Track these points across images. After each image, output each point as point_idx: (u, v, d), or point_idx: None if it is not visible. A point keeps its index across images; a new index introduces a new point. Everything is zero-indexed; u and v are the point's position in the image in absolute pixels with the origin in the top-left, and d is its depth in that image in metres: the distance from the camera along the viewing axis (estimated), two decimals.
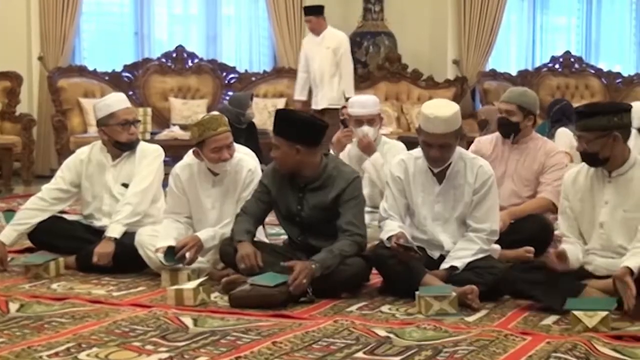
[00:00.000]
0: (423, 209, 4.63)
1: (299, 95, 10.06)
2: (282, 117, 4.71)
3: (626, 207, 4.17)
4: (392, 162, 4.85)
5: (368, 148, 5.93)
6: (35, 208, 5.32)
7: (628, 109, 4.23)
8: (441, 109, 4.47)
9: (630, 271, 3.86)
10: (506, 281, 4.28)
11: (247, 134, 8.77)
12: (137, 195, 5.20)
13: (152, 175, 5.28)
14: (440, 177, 4.59)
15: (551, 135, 8.37)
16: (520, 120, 5.52)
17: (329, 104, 9.50)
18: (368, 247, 4.82)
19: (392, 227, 4.53)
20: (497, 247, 4.80)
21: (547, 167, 5.54)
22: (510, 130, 5.55)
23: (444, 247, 4.60)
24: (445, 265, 4.49)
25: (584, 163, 4.32)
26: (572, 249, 4.23)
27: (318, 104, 9.67)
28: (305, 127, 4.63)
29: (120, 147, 5.31)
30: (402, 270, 4.39)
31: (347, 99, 9.29)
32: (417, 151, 4.69)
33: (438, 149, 4.46)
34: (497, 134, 5.72)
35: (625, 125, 4.15)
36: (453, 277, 4.42)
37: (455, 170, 4.58)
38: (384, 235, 4.54)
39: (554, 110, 8.57)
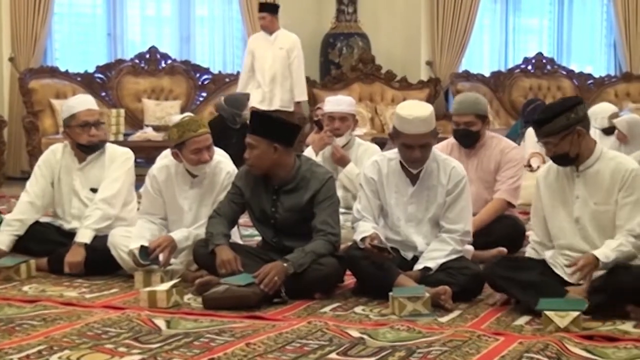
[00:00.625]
0: (396, 210, 4.64)
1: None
2: (260, 117, 4.76)
3: (596, 200, 4.19)
4: (365, 163, 4.85)
5: (341, 161, 5.94)
6: (26, 212, 5.28)
7: (580, 101, 4.27)
8: (418, 109, 4.50)
9: (593, 257, 3.96)
10: (488, 276, 4.30)
11: (239, 135, 8.73)
12: (106, 202, 5.17)
13: (120, 179, 5.24)
14: (413, 178, 4.61)
15: (522, 135, 8.44)
16: (480, 128, 5.54)
17: (280, 106, 9.26)
18: (342, 247, 4.83)
19: (365, 228, 4.53)
20: (470, 247, 4.82)
21: (502, 164, 5.57)
22: (472, 141, 5.56)
23: (418, 248, 4.61)
24: (419, 266, 4.50)
25: (551, 162, 4.35)
26: (534, 251, 4.33)
27: (272, 104, 9.36)
28: (282, 126, 4.67)
29: (82, 149, 5.27)
30: (375, 271, 4.39)
31: (297, 103, 9.29)
32: (391, 153, 4.71)
33: (419, 149, 4.48)
34: (451, 139, 5.72)
35: (583, 118, 4.18)
36: (426, 278, 4.43)
37: (428, 171, 4.60)
38: (357, 237, 4.54)
39: (527, 110, 8.63)
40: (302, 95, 9.43)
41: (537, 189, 4.38)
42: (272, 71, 9.43)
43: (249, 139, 4.61)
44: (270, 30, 9.60)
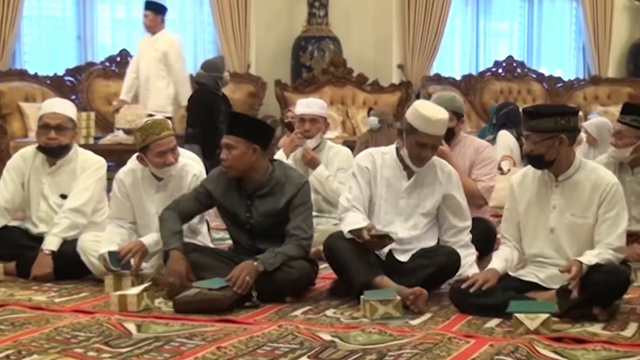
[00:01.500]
0: (384, 203, 4.61)
1: (124, 95, 9.52)
2: (239, 117, 4.77)
3: (573, 211, 4.19)
4: (359, 154, 4.83)
5: (312, 162, 5.95)
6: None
7: (575, 112, 4.27)
8: (441, 111, 4.52)
9: (580, 264, 3.95)
10: (454, 300, 4.28)
11: (226, 101, 8.69)
12: (75, 211, 5.14)
13: (91, 188, 5.21)
14: (410, 173, 4.61)
15: (494, 137, 8.47)
16: (455, 125, 5.56)
17: (155, 110, 8.75)
18: (312, 250, 4.84)
19: (356, 220, 4.46)
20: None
21: (477, 162, 5.60)
22: (448, 138, 5.56)
23: (398, 235, 4.52)
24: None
25: (529, 166, 4.36)
26: (508, 254, 4.30)
27: (147, 107, 9.06)
28: (261, 128, 4.68)
29: (41, 151, 5.24)
30: (358, 264, 4.37)
31: (182, 107, 9.08)
32: (385, 148, 4.71)
33: (431, 149, 4.52)
34: None
35: (571, 129, 4.17)
36: (405, 265, 4.45)
37: (425, 170, 4.60)
38: (345, 228, 4.47)
39: (500, 114, 8.67)
40: (183, 100, 8.96)
41: (512, 194, 4.36)
42: (146, 74, 9.12)
43: (227, 140, 4.56)
44: (152, 30, 9.22)
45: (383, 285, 4.34)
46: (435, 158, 4.65)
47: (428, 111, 4.47)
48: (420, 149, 4.50)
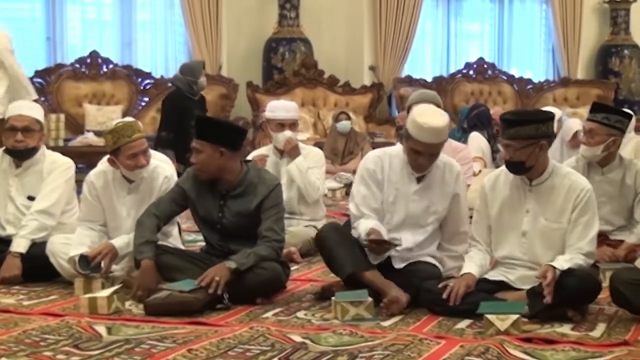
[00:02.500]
0: (392, 207, 4.49)
1: None
2: (205, 121, 4.76)
3: (547, 216, 4.21)
4: (366, 157, 4.66)
5: (294, 151, 5.94)
6: None
7: (552, 117, 4.28)
8: (435, 118, 4.34)
9: (554, 270, 3.97)
10: (426, 301, 4.27)
11: (200, 106, 8.65)
12: (43, 212, 5.09)
13: (59, 189, 5.17)
14: (420, 176, 4.49)
15: (466, 140, 8.51)
16: None
17: None
18: (284, 252, 4.85)
19: (367, 225, 4.36)
20: None
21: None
22: None
23: (402, 245, 4.41)
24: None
25: (501, 168, 4.37)
26: (481, 258, 4.29)
27: None
28: (228, 130, 4.67)
29: (8, 154, 5.20)
30: (345, 254, 4.36)
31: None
32: (392, 149, 4.60)
33: (428, 157, 4.36)
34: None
35: (550, 134, 4.20)
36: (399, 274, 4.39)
37: (434, 172, 4.48)
38: (358, 234, 4.38)
39: (471, 115, 8.70)
40: (34, 92, 7.99)
41: (484, 197, 4.35)
42: None
43: (194, 144, 4.58)
44: None
45: (374, 281, 4.29)
46: (442, 157, 4.49)
47: (423, 118, 4.31)
48: (414, 155, 4.37)
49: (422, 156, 4.35)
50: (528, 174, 4.21)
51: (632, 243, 5.14)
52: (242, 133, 4.76)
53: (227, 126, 4.78)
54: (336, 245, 4.43)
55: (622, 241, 5.24)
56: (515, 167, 4.19)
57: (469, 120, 8.69)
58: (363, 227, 4.35)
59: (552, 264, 4.02)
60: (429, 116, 4.33)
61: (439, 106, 5.59)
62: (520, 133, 4.11)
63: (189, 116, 8.06)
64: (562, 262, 4.02)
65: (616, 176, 5.26)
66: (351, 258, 4.36)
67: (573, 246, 4.13)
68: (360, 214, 4.43)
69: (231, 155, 4.58)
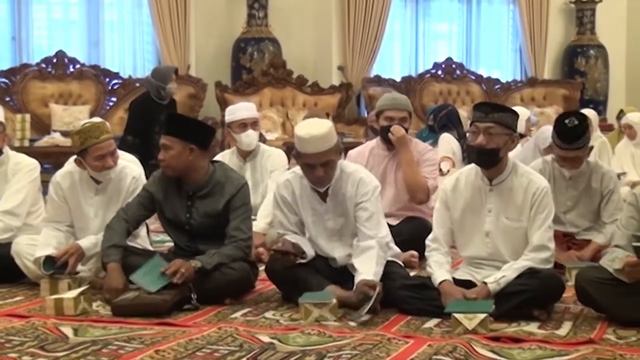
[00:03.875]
0: (313, 227, 4.57)
1: None
2: (176, 118, 4.76)
3: (508, 215, 4.24)
4: (280, 182, 4.70)
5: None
6: None
7: (517, 116, 4.32)
8: (315, 127, 4.37)
9: (487, 289, 4.05)
10: (395, 299, 4.28)
11: (167, 111, 8.57)
12: (8, 213, 5.04)
13: (24, 190, 5.11)
14: (323, 195, 4.52)
15: (436, 141, 8.53)
16: (409, 126, 5.61)
17: None
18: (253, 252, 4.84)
19: (283, 237, 4.50)
20: (397, 250, 4.77)
21: (421, 163, 5.66)
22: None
23: (337, 262, 4.53)
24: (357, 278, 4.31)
25: (460, 171, 4.39)
26: (446, 262, 4.28)
27: None
28: (198, 128, 4.66)
29: None
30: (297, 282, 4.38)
31: None
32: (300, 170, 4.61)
33: (321, 168, 4.37)
34: (368, 143, 5.77)
35: (517, 131, 4.26)
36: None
37: (337, 186, 4.50)
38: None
39: (440, 115, 8.72)
40: None
41: (445, 199, 4.35)
42: None
43: (164, 140, 4.56)
44: None
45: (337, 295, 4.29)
46: (347, 171, 4.50)
47: (302, 130, 4.35)
48: (309, 170, 4.39)
49: (315, 168, 4.37)
50: (490, 172, 4.24)
51: (600, 244, 5.18)
52: (211, 132, 4.77)
53: (197, 124, 4.78)
54: (291, 276, 4.44)
55: (588, 241, 5.28)
56: (487, 155, 4.17)
57: (438, 121, 8.71)
58: (281, 238, 4.50)
59: (486, 280, 4.09)
60: (307, 127, 4.39)
61: (407, 110, 5.60)
62: (503, 119, 4.15)
63: (154, 122, 7.97)
64: (499, 277, 4.08)
65: (582, 179, 5.29)
66: (307, 284, 4.36)
67: (530, 244, 4.18)
68: (280, 235, 4.57)
69: (200, 153, 4.57)
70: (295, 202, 4.56)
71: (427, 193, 5.64)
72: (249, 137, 5.98)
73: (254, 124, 6.03)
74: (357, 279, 4.24)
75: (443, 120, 8.51)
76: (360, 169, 4.65)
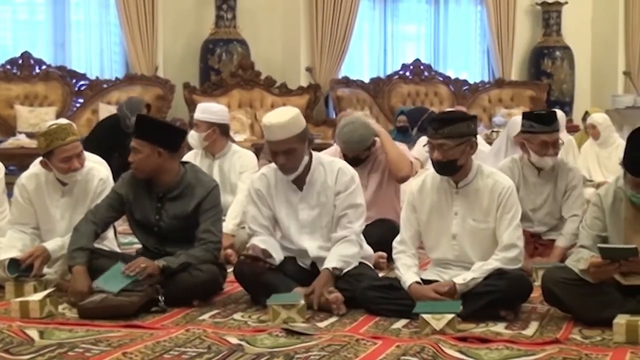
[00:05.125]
0: (286, 219, 4.59)
1: None
2: (145, 121, 4.72)
3: (474, 217, 4.26)
4: (255, 175, 4.78)
5: None
6: None
7: (476, 117, 4.35)
8: (278, 115, 4.46)
9: (454, 286, 4.08)
10: (362, 300, 4.29)
11: (130, 141, 8.58)
12: None
13: None
14: (300, 184, 4.57)
15: (414, 142, 8.58)
16: (369, 152, 5.69)
17: None
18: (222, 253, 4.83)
19: (252, 242, 4.52)
20: (369, 250, 4.80)
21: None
22: (362, 161, 5.66)
23: (310, 255, 4.56)
24: (329, 265, 4.40)
25: (426, 173, 4.40)
26: (414, 265, 4.29)
27: None
28: (167, 131, 4.65)
29: None
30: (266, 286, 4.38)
31: None
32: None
33: (283, 155, 4.43)
34: (337, 147, 5.78)
35: (476, 133, 4.27)
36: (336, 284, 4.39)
37: (315, 176, 4.56)
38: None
39: (422, 119, 8.82)
40: None
41: (412, 202, 4.36)
42: None
43: (133, 143, 4.56)
44: None
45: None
46: (326, 162, 4.59)
47: (266, 119, 4.47)
48: (274, 157, 4.49)
49: (279, 155, 4.45)
50: (454, 176, 4.26)
51: (562, 247, 5.24)
52: (181, 134, 4.75)
53: (167, 127, 4.75)
54: (256, 279, 4.44)
55: (553, 241, 5.32)
56: (446, 167, 4.21)
57: (420, 125, 8.79)
58: (250, 243, 4.52)
59: (455, 279, 4.11)
60: (271, 115, 4.50)
61: (368, 143, 5.59)
62: (454, 131, 4.16)
63: (116, 146, 7.93)
64: (467, 276, 4.10)
65: (550, 178, 5.35)
66: (274, 286, 4.37)
67: (498, 245, 4.21)
68: (252, 231, 4.59)
69: (169, 156, 4.56)
70: (269, 195, 4.59)
71: (411, 167, 5.72)
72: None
73: (195, 125, 6.02)
74: (324, 265, 4.40)
75: (424, 124, 8.57)
76: (337, 160, 4.74)
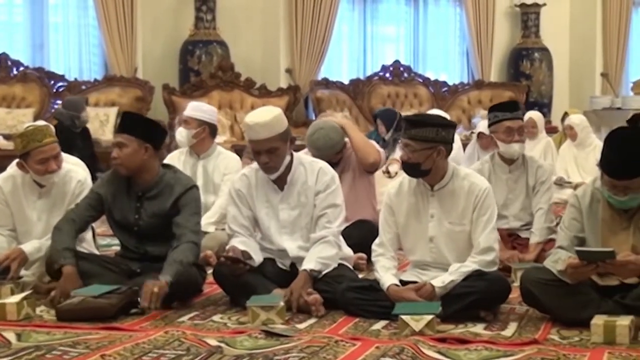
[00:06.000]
0: (267, 219, 4.60)
1: None
2: (132, 116, 4.75)
3: (451, 219, 4.27)
4: (236, 175, 4.80)
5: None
6: None
7: (454, 125, 4.35)
8: (260, 115, 4.48)
9: (433, 289, 4.08)
10: (342, 301, 4.29)
11: (82, 138, 8.59)
12: None
13: None
14: (281, 184, 4.58)
15: (393, 144, 8.58)
16: (341, 155, 5.71)
17: None
18: (201, 255, 4.81)
19: (231, 244, 4.53)
20: (348, 252, 4.81)
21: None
22: (335, 164, 5.66)
23: (289, 255, 4.57)
24: (307, 266, 4.41)
25: (404, 175, 4.42)
26: (392, 267, 4.30)
27: None
28: (154, 127, 4.67)
29: None
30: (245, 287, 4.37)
31: None
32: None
33: (266, 154, 4.45)
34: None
35: (448, 141, 4.24)
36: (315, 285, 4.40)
37: (295, 176, 4.58)
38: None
39: (397, 120, 8.83)
40: None
41: (389, 205, 4.37)
42: None
43: (119, 138, 4.54)
44: None
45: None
46: (307, 162, 4.62)
47: (249, 118, 4.49)
48: (257, 156, 4.49)
49: (262, 155, 4.46)
50: (428, 179, 4.27)
51: (536, 243, 5.30)
52: (164, 133, 4.79)
53: (153, 124, 4.77)
54: (236, 281, 4.45)
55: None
56: (411, 168, 4.24)
57: (395, 127, 8.78)
58: (230, 245, 4.53)
59: (433, 282, 4.11)
60: (254, 115, 4.51)
61: (338, 148, 5.59)
62: (421, 134, 4.17)
63: (71, 149, 7.92)
64: (446, 278, 4.11)
65: (521, 174, 5.46)
66: (254, 288, 4.38)
67: (475, 247, 4.22)
68: (232, 232, 4.60)
69: (153, 153, 4.58)
70: (250, 195, 4.60)
71: (379, 153, 5.74)
72: (178, 134, 5.99)
73: (184, 122, 6.01)
74: (302, 267, 4.40)
75: (399, 126, 8.57)
76: (318, 160, 4.75)
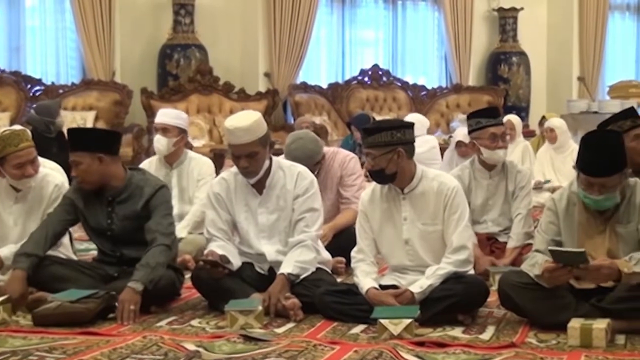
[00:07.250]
0: (246, 223, 4.61)
1: None
2: (76, 132, 4.72)
3: (423, 220, 4.29)
4: (212, 181, 4.79)
5: None
6: None
7: (409, 125, 4.36)
8: (241, 119, 4.49)
9: (412, 296, 4.09)
10: (320, 305, 4.29)
11: (57, 143, 8.53)
12: None
13: None
14: (260, 188, 4.59)
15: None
16: (320, 163, 5.65)
17: None
18: (178, 260, 4.81)
19: (209, 248, 4.53)
20: (326, 256, 4.81)
21: (344, 176, 5.70)
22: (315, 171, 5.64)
23: (267, 259, 4.58)
24: (284, 270, 4.41)
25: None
26: (372, 271, 4.31)
27: None
28: (101, 135, 4.66)
29: None
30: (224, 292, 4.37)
31: None
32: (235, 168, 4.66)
33: (245, 159, 4.46)
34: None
35: (407, 141, 4.25)
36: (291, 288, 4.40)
37: (274, 180, 4.58)
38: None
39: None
40: None
41: (364, 211, 4.39)
42: None
43: (72, 157, 4.51)
44: None
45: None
46: (285, 166, 4.63)
47: (229, 122, 4.48)
48: (236, 160, 4.50)
49: (241, 159, 4.47)
50: (397, 182, 4.28)
51: (513, 247, 5.32)
52: (117, 136, 4.72)
53: (100, 132, 4.79)
54: (215, 285, 4.45)
55: None
56: (377, 175, 4.27)
57: None
58: (208, 249, 4.53)
59: (411, 288, 4.13)
60: (234, 119, 4.52)
61: (317, 158, 5.56)
62: (377, 140, 4.21)
63: (46, 155, 7.88)
64: (424, 283, 4.12)
65: (501, 179, 5.47)
66: (232, 292, 4.37)
67: (448, 248, 4.23)
68: (210, 236, 4.60)
69: (111, 160, 4.53)
70: (229, 199, 4.60)
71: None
72: (157, 142, 5.93)
73: (163, 130, 5.94)
74: (280, 271, 4.40)
75: None
76: (297, 164, 4.74)
